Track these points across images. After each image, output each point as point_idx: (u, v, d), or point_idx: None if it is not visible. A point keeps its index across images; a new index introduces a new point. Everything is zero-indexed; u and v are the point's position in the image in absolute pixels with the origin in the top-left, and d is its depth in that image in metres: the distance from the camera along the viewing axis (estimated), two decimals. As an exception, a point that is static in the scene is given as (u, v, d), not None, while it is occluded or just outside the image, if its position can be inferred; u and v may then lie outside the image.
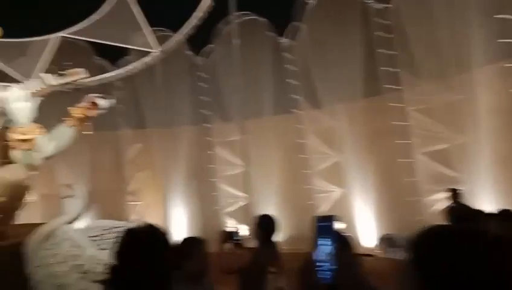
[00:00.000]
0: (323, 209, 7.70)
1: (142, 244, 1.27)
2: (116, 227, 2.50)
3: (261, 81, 7.83)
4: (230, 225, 8.70)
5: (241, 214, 8.57)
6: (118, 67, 7.53)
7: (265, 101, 7.97)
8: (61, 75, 3.44)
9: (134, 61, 7.08)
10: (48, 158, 3.68)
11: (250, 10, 7.80)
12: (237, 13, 7.14)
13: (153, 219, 8.25)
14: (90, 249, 2.43)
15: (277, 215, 3.32)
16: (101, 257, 2.34)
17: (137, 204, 8.89)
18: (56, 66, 3.52)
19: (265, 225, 2.72)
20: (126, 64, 7.48)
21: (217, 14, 7.23)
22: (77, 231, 2.53)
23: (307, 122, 7.76)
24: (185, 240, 2.14)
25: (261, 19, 7.88)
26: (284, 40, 7.89)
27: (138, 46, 5.52)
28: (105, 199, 7.82)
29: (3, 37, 3.75)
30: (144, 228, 1.38)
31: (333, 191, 7.63)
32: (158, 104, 8.07)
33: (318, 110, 7.68)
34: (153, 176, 8.78)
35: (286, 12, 7.65)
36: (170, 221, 8.33)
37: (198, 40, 7.54)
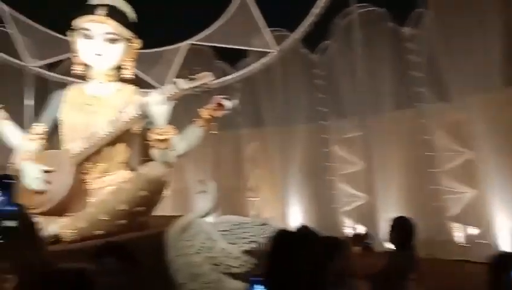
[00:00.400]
0: (453, 211, 7.01)
1: (295, 245, 1.26)
2: (244, 223, 2.60)
3: (380, 75, 7.42)
4: (348, 224, 8.49)
5: (359, 214, 8.30)
6: (237, 69, 7.92)
7: (385, 96, 7.54)
8: (191, 79, 3.71)
9: (252, 63, 7.38)
10: (179, 156, 4.00)
11: (367, 1, 7.48)
12: (354, 5, 6.88)
13: (271, 215, 8.48)
14: (221, 243, 2.57)
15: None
16: (230, 250, 2.46)
17: (255, 200, 9.23)
18: (186, 71, 3.80)
19: (402, 228, 2.54)
20: (245, 66, 7.85)
21: (332, 9, 7.10)
22: (209, 225, 2.70)
23: (433, 116, 7.12)
24: (328, 239, 2.09)
25: (379, 9, 7.48)
26: (405, 30, 7.36)
27: (258, 48, 5.71)
28: (226, 195, 8.28)
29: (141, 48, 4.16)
30: (297, 229, 1.38)
31: (465, 192, 6.89)
32: (275, 103, 8.24)
33: (446, 103, 7.00)
34: (271, 173, 9.00)
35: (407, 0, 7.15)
36: (287, 217, 8.44)
37: (313, 37, 7.50)
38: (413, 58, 7.23)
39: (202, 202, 2.78)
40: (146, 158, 3.97)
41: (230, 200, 7.94)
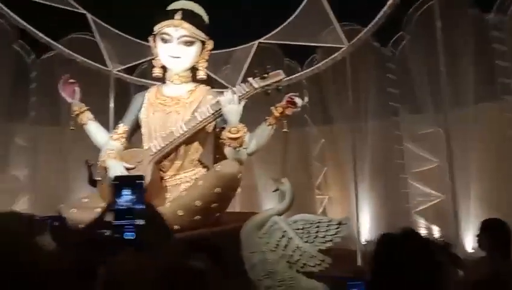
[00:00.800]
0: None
1: (403, 249, 1.20)
2: (320, 222, 2.57)
3: (461, 67, 6.89)
4: (422, 225, 8.07)
5: (435, 214, 7.84)
6: (305, 66, 7.85)
7: (465, 89, 7.00)
8: (262, 78, 3.74)
9: (321, 60, 7.26)
10: (250, 154, 4.07)
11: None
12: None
13: (340, 214, 8.29)
14: (297, 241, 2.56)
15: (481, 219, 2.85)
16: (306, 249, 2.44)
17: (324, 199, 9.10)
18: (258, 70, 3.83)
19: (497, 232, 2.30)
20: (313, 63, 7.75)
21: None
22: (285, 223, 2.70)
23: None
24: (435, 244, 1.96)
25: (462, -5, 6.91)
26: (490, 17, 6.75)
27: (329, 44, 5.62)
28: (294, 193, 8.22)
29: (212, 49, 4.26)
30: (402, 232, 1.32)
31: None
32: (344, 99, 8.02)
33: (537, 95, 6.33)
34: (340, 171, 8.81)
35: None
36: (357, 216, 8.20)
37: (385, 30, 7.17)
38: (500, 47, 6.61)
39: (278, 199, 2.79)
40: (218, 156, 4.09)
41: (298, 199, 7.87)
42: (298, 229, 2.62)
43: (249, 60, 5.82)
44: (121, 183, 1.26)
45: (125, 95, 7.27)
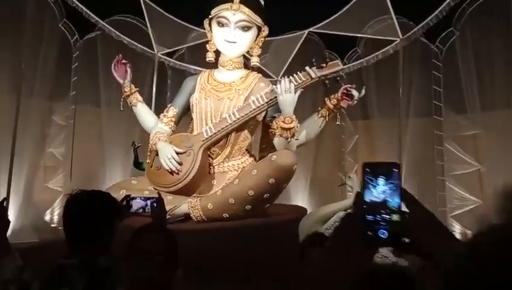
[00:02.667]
0: None
1: None
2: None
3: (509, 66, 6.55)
4: (458, 230, 7.85)
5: (468, 219, 7.59)
6: (346, 59, 7.65)
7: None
8: (320, 68, 3.64)
9: (364, 53, 7.07)
10: (299, 146, 3.97)
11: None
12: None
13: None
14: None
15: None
16: (383, 252, 2.33)
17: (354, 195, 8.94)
18: (316, 59, 3.72)
19: None
20: (353, 56, 7.54)
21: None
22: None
23: None
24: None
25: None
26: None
27: (381, 36, 5.46)
28: (324, 188, 8.11)
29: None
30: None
31: None
32: (384, 95, 7.80)
33: None
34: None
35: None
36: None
37: (433, 26, 6.91)
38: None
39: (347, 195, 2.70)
40: (264, 145, 4.01)
41: (328, 194, 7.78)
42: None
43: (296, 48, 5.69)
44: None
45: (163, 78, 7.25)
